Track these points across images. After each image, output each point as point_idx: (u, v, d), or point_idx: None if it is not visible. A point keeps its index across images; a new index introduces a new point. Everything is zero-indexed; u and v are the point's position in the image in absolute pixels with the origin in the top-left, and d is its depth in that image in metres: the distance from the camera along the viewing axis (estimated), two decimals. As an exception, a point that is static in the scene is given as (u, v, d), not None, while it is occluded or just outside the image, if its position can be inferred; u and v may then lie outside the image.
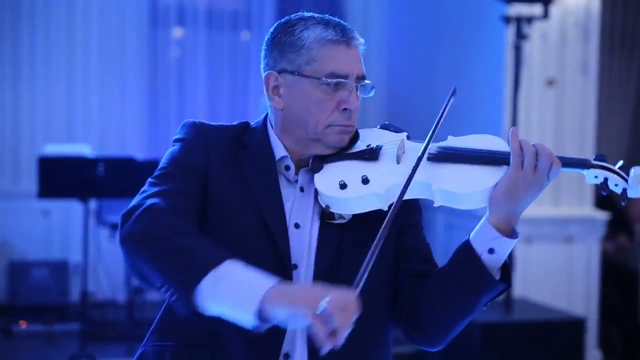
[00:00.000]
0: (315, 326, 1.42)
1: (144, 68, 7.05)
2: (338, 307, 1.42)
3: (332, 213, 1.71)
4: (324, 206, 1.71)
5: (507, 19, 5.09)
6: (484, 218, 1.70)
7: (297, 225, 1.74)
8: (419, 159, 1.65)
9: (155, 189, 1.68)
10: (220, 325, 1.65)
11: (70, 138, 6.74)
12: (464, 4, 6.18)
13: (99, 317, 6.16)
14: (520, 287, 5.38)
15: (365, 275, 1.50)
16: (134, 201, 1.67)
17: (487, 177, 1.67)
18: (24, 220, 6.62)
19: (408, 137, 1.80)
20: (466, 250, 1.70)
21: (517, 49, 5.06)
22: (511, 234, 1.69)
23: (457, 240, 5.96)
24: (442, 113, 1.74)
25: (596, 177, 1.69)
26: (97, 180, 5.07)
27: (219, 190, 1.73)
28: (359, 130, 1.80)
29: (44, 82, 6.80)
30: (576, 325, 4.94)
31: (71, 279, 6.56)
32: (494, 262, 1.68)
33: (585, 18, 5.61)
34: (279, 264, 1.70)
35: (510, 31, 5.23)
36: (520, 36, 5.05)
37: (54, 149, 5.37)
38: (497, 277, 1.69)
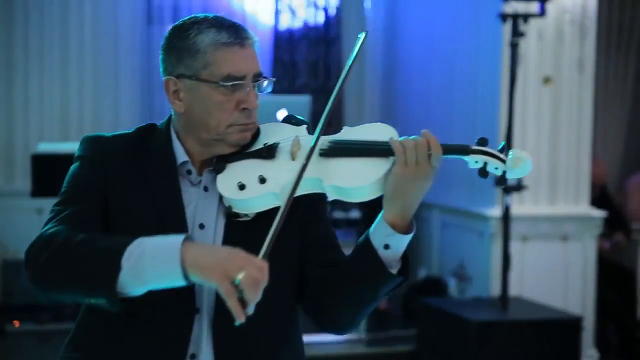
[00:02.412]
0: (229, 298, 1.51)
1: (138, 66, 7.02)
2: (251, 282, 1.51)
3: (237, 212, 1.76)
4: (227, 206, 1.76)
5: (503, 17, 5.07)
6: (380, 214, 1.73)
7: (201, 226, 1.78)
8: (307, 158, 1.69)
9: (55, 218, 1.72)
10: (128, 331, 1.71)
11: (64, 136, 6.71)
12: (460, 1, 6.16)
13: (93, 316, 6.13)
14: (516, 285, 5.37)
15: (270, 248, 1.58)
16: (38, 235, 1.70)
17: (374, 169, 1.70)
18: (18, 219, 6.58)
19: (308, 129, 1.83)
20: (365, 244, 1.74)
21: (514, 47, 5.04)
22: (407, 228, 1.72)
23: (451, 238, 5.96)
24: (333, 99, 1.76)
25: (476, 162, 1.71)
26: (91, 178, 5.03)
27: (119, 201, 1.77)
28: (260, 126, 1.84)
29: (37, 80, 6.77)
30: (572, 324, 4.92)
31: (65, 277, 6.53)
32: (391, 255, 1.72)
33: (581, 16, 5.59)
34: None
35: (506, 29, 5.21)
36: (516, 34, 5.03)
37: (47, 147, 5.33)
38: (397, 267, 1.74)
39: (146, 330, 1.72)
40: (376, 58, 7.26)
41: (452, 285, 5.99)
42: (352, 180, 1.70)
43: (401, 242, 1.72)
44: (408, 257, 1.76)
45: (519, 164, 1.69)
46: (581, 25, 5.59)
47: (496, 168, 1.70)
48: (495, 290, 5.33)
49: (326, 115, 1.75)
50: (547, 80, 5.56)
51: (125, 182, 1.78)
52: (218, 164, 1.78)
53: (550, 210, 5.58)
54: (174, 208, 1.77)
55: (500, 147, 1.72)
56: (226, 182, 1.75)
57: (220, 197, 1.77)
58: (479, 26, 5.81)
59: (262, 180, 1.73)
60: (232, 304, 1.50)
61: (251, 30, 1.82)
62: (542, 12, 5.06)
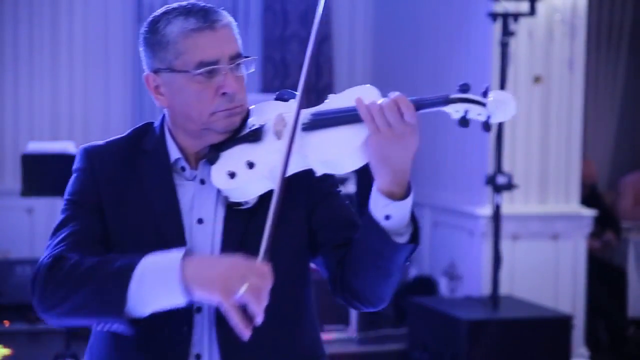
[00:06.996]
0: (232, 315, 1.49)
1: (129, 64, 7.01)
2: (254, 293, 1.48)
3: (237, 201, 1.71)
4: (225, 197, 1.73)
5: (493, 16, 5.08)
6: (374, 184, 1.65)
7: (200, 221, 1.74)
8: (291, 137, 1.63)
9: (55, 241, 1.70)
10: (130, 333, 1.66)
11: (54, 135, 6.69)
12: (450, 0, 6.17)
13: (83, 316, 6.10)
14: (507, 284, 5.38)
15: (267, 248, 1.56)
16: (42, 260, 1.67)
17: (354, 136, 1.62)
18: (8, 219, 6.56)
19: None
20: (367, 219, 1.67)
21: (504, 46, 5.05)
22: (405, 193, 1.64)
23: (442, 237, 5.95)
24: (305, 75, 1.70)
25: (457, 111, 1.58)
26: (82, 177, 5.01)
27: (115, 207, 1.74)
28: (253, 107, 1.79)
29: (27, 78, 6.75)
30: (563, 323, 4.94)
31: (55, 277, 6.51)
32: (396, 224, 1.64)
33: (571, 15, 5.61)
34: None
35: (496, 28, 5.22)
36: (506, 33, 5.04)
37: (37, 146, 5.31)
38: (408, 233, 1.67)
39: (148, 334, 1.69)
40: (365, 57, 7.25)
41: (443, 284, 6.00)
42: (335, 152, 1.63)
43: (401, 210, 1.63)
44: (417, 221, 1.69)
45: (502, 106, 1.59)
46: (571, 24, 5.60)
47: (479, 114, 1.59)
48: (485, 289, 5.34)
49: (301, 89, 1.68)
50: (537, 79, 5.58)
51: (119, 187, 1.75)
52: (211, 154, 1.73)
53: (541, 209, 5.59)
54: (169, 206, 1.73)
55: (483, 91, 1.60)
56: (218, 172, 1.71)
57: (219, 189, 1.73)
58: (469, 25, 5.81)
59: (251, 165, 1.68)
60: (236, 321, 1.49)
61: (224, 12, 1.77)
62: (532, 12, 5.07)
